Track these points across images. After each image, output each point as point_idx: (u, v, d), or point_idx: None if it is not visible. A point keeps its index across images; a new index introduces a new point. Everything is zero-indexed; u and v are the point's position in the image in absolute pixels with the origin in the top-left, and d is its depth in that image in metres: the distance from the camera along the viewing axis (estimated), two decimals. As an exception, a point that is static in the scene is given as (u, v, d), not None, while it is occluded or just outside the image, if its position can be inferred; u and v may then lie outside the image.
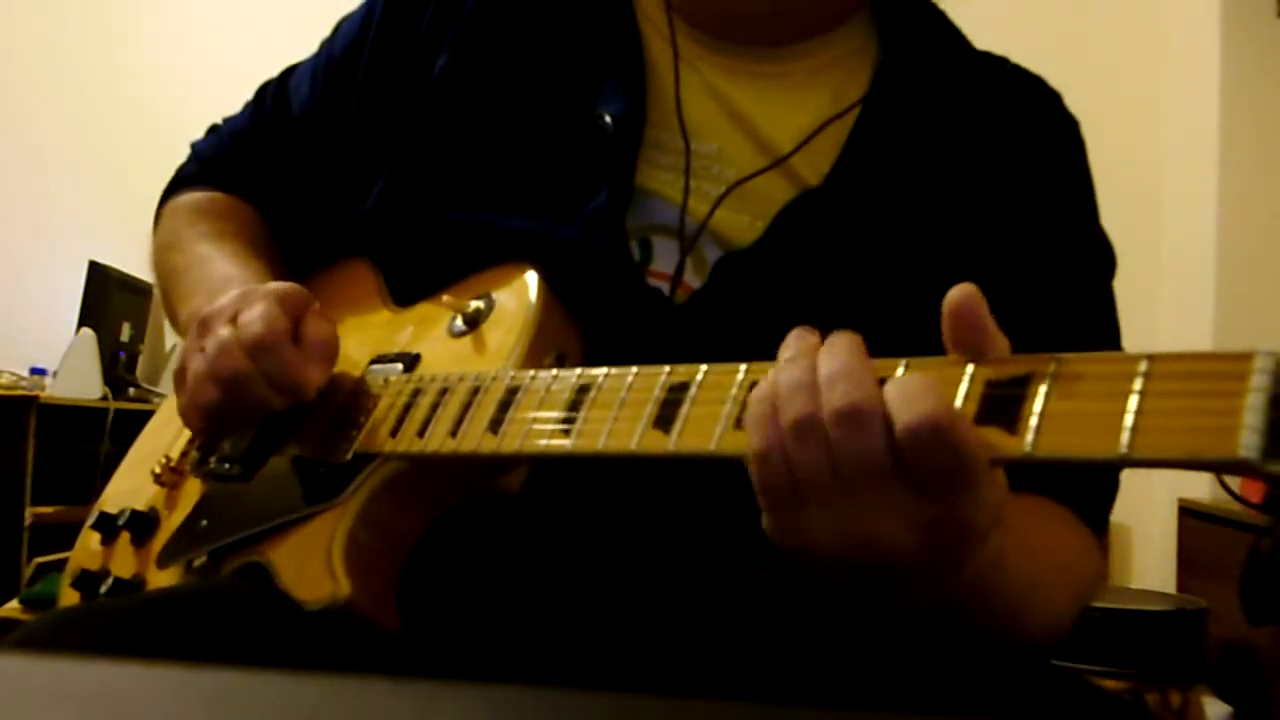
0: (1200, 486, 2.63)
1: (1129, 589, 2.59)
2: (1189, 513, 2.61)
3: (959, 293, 0.54)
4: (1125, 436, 0.45)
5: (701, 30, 0.87)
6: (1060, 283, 0.84)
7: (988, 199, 0.83)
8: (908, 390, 0.52)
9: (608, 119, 0.83)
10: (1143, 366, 0.46)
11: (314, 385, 0.77)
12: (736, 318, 0.79)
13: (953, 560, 0.56)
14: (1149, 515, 2.86)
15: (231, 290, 0.81)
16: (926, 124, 0.84)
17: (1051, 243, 0.85)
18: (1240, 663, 2.19)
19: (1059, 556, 0.74)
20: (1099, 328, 0.86)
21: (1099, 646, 1.94)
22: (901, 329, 0.78)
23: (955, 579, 0.57)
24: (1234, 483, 2.17)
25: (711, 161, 0.84)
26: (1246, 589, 1.96)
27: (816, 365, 0.54)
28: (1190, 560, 2.62)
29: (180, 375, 0.80)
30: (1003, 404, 0.50)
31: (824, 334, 0.57)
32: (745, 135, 0.84)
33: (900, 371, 0.54)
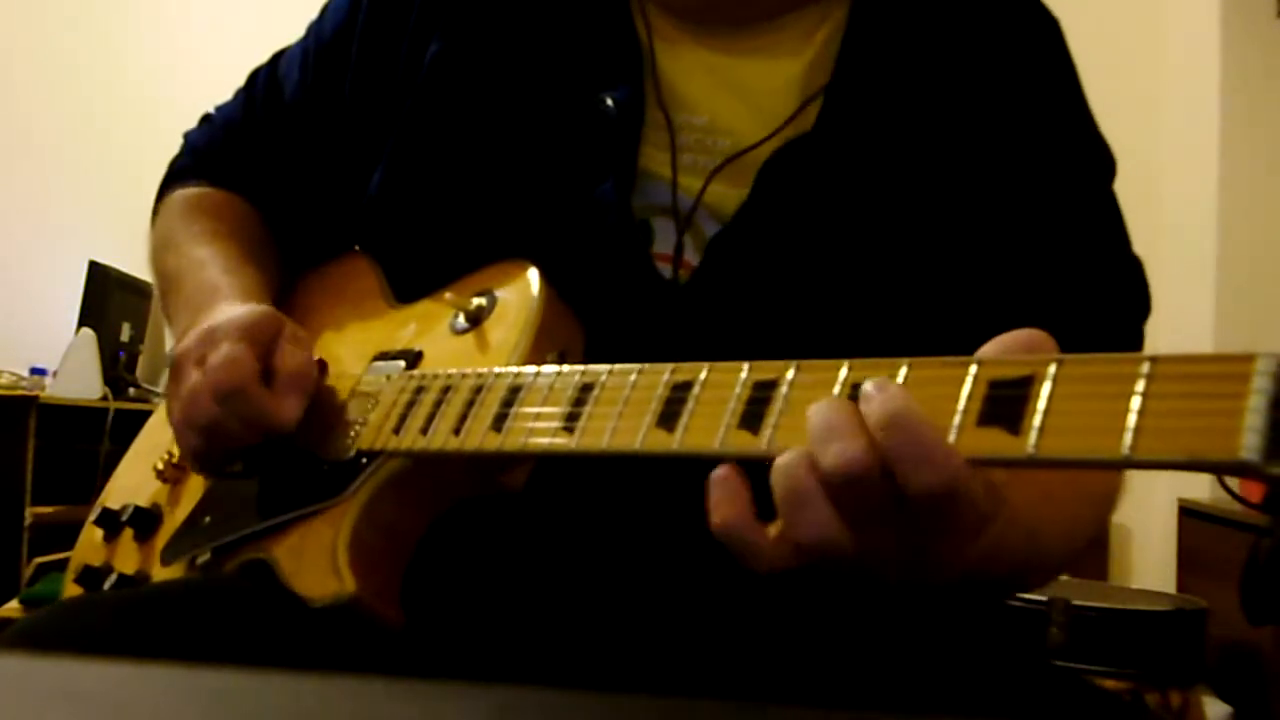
0: (1200, 486, 2.63)
1: (1129, 589, 2.58)
2: (1189, 513, 2.61)
3: None
4: (1127, 438, 0.45)
5: (678, 17, 0.86)
6: (1059, 187, 0.83)
7: (977, 117, 0.83)
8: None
9: (610, 102, 0.83)
10: (1145, 368, 0.46)
11: (289, 420, 0.76)
12: (737, 292, 0.79)
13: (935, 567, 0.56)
14: (1149, 515, 2.87)
15: (215, 308, 0.82)
16: (907, 56, 0.84)
17: (1045, 147, 0.84)
18: (1240, 663, 2.19)
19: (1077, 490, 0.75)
20: (1103, 230, 0.85)
21: (1099, 646, 1.94)
22: (899, 280, 0.78)
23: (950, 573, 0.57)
24: (1234, 483, 2.17)
25: (704, 134, 0.83)
26: (1246, 589, 1.96)
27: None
28: (1190, 560, 2.62)
29: (169, 414, 0.81)
30: (1005, 405, 0.50)
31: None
32: (735, 107, 0.84)
33: (903, 373, 0.54)
